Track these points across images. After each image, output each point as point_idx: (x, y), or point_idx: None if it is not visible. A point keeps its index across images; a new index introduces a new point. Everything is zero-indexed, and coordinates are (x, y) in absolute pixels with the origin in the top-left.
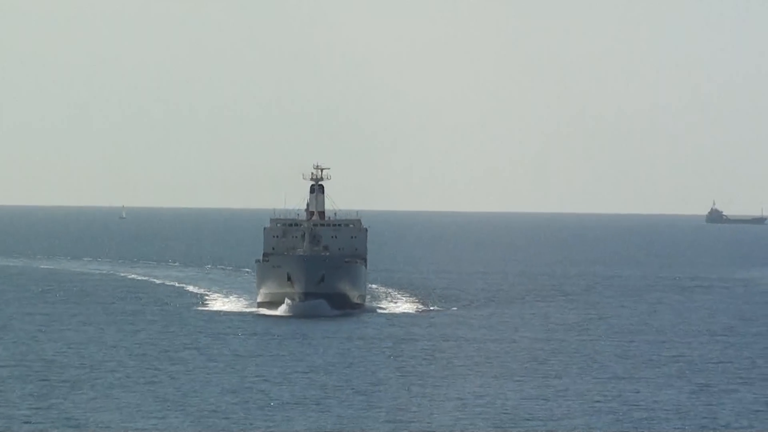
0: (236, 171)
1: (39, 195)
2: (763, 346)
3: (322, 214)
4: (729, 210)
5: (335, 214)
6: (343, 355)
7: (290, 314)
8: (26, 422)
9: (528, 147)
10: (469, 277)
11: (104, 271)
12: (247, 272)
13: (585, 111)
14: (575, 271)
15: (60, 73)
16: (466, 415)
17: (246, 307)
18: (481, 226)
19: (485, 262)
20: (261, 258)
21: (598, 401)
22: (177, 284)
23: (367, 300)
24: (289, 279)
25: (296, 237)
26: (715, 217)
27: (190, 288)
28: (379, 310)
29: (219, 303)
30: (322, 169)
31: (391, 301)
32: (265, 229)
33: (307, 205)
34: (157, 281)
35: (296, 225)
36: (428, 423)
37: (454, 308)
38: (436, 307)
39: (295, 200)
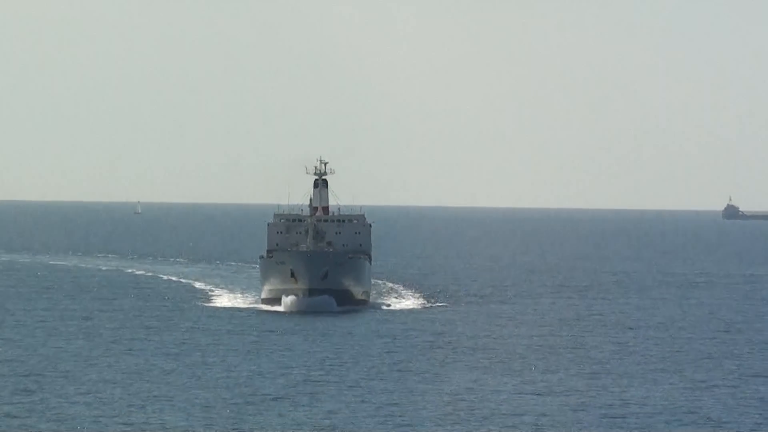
0: (240, 166)
1: (55, 191)
2: (762, 342)
3: (325, 209)
4: (743, 206)
5: (339, 209)
6: (342, 350)
7: (294, 310)
8: (14, 417)
9: (538, 142)
10: (474, 273)
11: (112, 267)
12: (254, 268)
13: (600, 105)
14: (584, 267)
15: (76, 69)
16: (455, 410)
17: (250, 304)
18: (488, 222)
19: (492, 258)
20: (265, 254)
21: (591, 396)
22: (183, 280)
23: (371, 296)
24: (292, 275)
25: (300, 233)
26: (731, 212)
27: (196, 284)
28: (384, 306)
29: (223, 299)
30: (325, 164)
31: (396, 297)
32: (268, 224)
33: (310, 200)
34: (164, 277)
35: (300, 220)
36: (418, 418)
37: (459, 304)
38: (440, 303)
39: (298, 195)
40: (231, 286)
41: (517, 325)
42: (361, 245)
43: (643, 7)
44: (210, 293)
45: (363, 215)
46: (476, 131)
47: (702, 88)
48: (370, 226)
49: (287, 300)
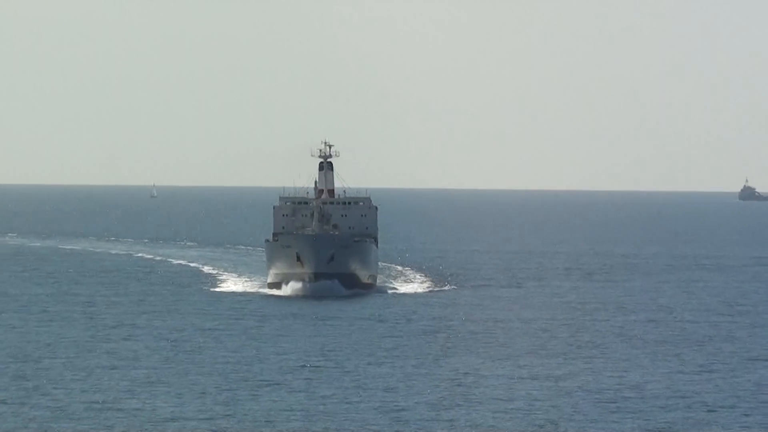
0: (246, 149)
1: (71, 174)
2: (763, 325)
3: (331, 192)
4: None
5: (345, 192)
6: (342, 335)
7: (301, 294)
8: (7, 404)
9: (548, 123)
10: (483, 256)
11: (122, 251)
12: (262, 251)
13: (614, 85)
14: (594, 250)
15: (95, 53)
16: (450, 395)
17: (257, 288)
18: (497, 205)
19: (501, 241)
20: (271, 237)
21: (585, 380)
22: (192, 264)
23: (378, 279)
24: (298, 259)
25: (306, 216)
26: (747, 194)
27: (205, 269)
28: (390, 290)
29: (230, 284)
30: (330, 146)
31: (403, 281)
32: (274, 207)
33: (315, 182)
34: (174, 261)
35: (305, 203)
36: (412, 403)
37: (466, 288)
38: (447, 287)
39: (304, 178)
40: (239, 270)
41: (522, 308)
42: (367, 228)
43: None
44: (217, 278)
45: (369, 198)
46: (484, 113)
47: (719, 68)
48: (376, 208)
49: (292, 285)
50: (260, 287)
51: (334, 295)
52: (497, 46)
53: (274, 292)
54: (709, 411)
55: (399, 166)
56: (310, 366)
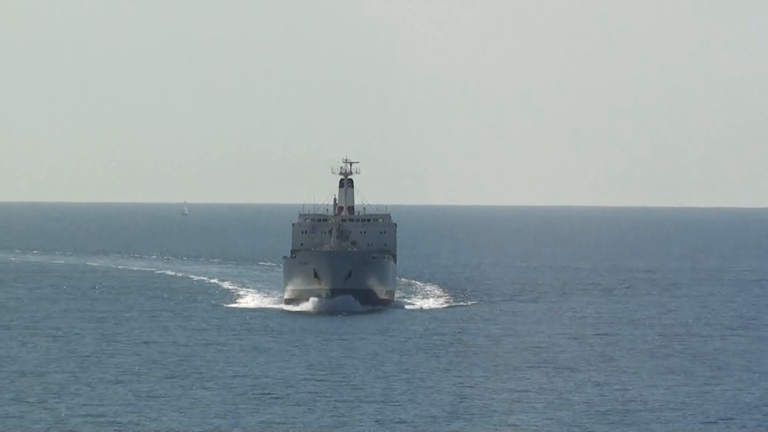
0: (267, 166)
1: (105, 192)
2: None
3: (351, 209)
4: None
5: (364, 209)
6: (352, 350)
7: (317, 310)
8: (10, 417)
9: (573, 139)
10: (502, 272)
11: (144, 268)
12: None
13: (646, 99)
14: (617, 266)
15: (127, 76)
16: (453, 411)
17: (274, 304)
18: (518, 221)
19: (522, 257)
20: (289, 254)
21: (594, 396)
22: (212, 280)
23: (396, 295)
24: (316, 275)
25: (325, 233)
26: None
27: (224, 284)
28: (408, 306)
29: (248, 300)
30: (351, 164)
31: (421, 297)
32: (293, 224)
33: (335, 200)
34: (194, 277)
35: (325, 220)
36: (414, 416)
37: (484, 304)
38: (465, 303)
39: (324, 195)
40: (258, 286)
41: (535, 323)
42: (386, 245)
43: None
44: (236, 293)
45: (388, 215)
46: (505, 130)
47: (748, 82)
48: (396, 225)
49: (309, 301)
50: (277, 303)
51: (350, 311)
52: (519, 65)
53: (291, 308)
54: (708, 423)
55: (420, 183)
56: (315, 380)
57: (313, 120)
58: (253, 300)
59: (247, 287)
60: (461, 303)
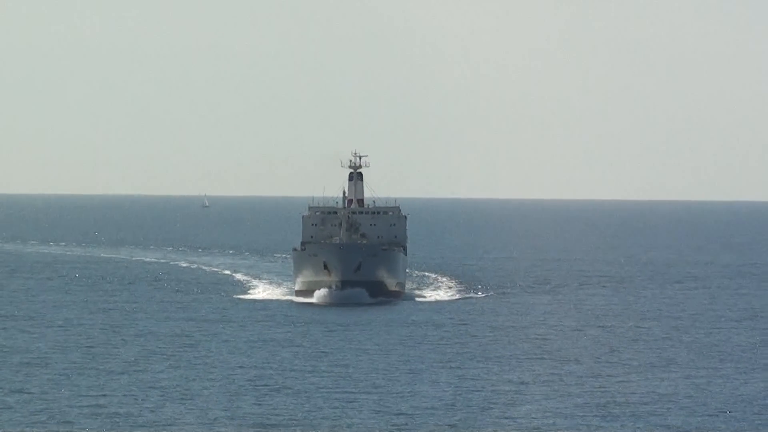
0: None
1: (128, 185)
2: None
3: (360, 201)
4: None
5: (374, 201)
6: (358, 342)
7: (327, 302)
8: (9, 408)
9: (586, 132)
10: (512, 264)
11: (159, 260)
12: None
13: (675, 92)
14: (632, 258)
15: (147, 70)
16: (453, 400)
17: (284, 296)
18: (527, 214)
19: (533, 249)
20: (299, 246)
21: (596, 388)
22: (225, 272)
23: (406, 288)
24: (325, 267)
25: (334, 225)
26: None
27: (237, 276)
28: (417, 298)
29: (259, 291)
30: (360, 156)
31: (432, 289)
32: (303, 217)
33: (343, 192)
34: (207, 268)
35: (335, 213)
36: (411, 407)
37: (493, 296)
38: (475, 295)
39: (333, 188)
40: (271, 278)
41: (542, 315)
42: (396, 237)
43: None
44: (247, 285)
45: (398, 207)
46: (514, 122)
47: None
48: (405, 218)
49: (319, 293)
50: (288, 295)
51: (359, 303)
52: (529, 53)
53: (301, 299)
54: (709, 416)
55: (430, 175)
56: (317, 371)
57: (322, 114)
58: (264, 292)
59: (260, 279)
60: (471, 295)
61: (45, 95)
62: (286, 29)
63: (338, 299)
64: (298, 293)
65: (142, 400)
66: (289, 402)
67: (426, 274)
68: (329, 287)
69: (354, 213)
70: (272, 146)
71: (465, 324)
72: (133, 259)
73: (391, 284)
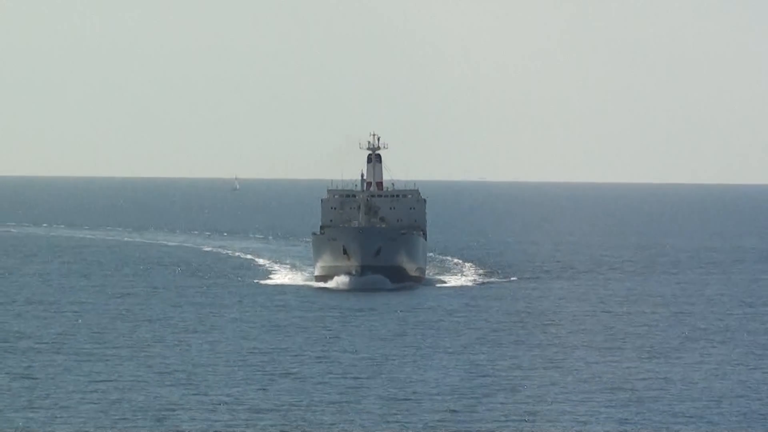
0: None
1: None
2: None
3: (379, 184)
4: None
5: (393, 184)
6: (372, 328)
7: (347, 288)
8: (15, 396)
9: (605, 114)
10: (534, 248)
11: (183, 243)
12: None
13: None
14: (652, 243)
15: (176, 55)
16: (462, 386)
17: (305, 281)
18: (548, 197)
19: (555, 233)
20: (318, 230)
21: (604, 372)
22: (247, 256)
23: (426, 273)
24: (345, 252)
25: (353, 208)
26: None
27: (260, 260)
28: (438, 284)
29: (279, 276)
30: (379, 138)
31: (453, 274)
32: (322, 200)
33: (362, 175)
34: (228, 252)
35: (353, 196)
36: (414, 393)
37: (515, 281)
38: (496, 279)
39: (352, 171)
40: (294, 263)
41: (562, 301)
42: (415, 221)
43: None
44: (269, 270)
45: (417, 190)
46: (533, 105)
47: None
48: (425, 201)
49: (339, 279)
50: (307, 280)
51: (380, 289)
52: (545, 38)
53: (321, 284)
54: (715, 402)
55: (450, 158)
56: (326, 356)
57: (341, 96)
58: (284, 277)
59: (282, 263)
60: (493, 279)
61: (74, 78)
62: (311, 17)
63: (359, 285)
64: (318, 278)
65: (146, 384)
66: (298, 386)
67: (447, 258)
68: (349, 272)
69: (373, 196)
70: (303, 130)
71: (481, 310)
72: (158, 242)
73: (411, 269)
